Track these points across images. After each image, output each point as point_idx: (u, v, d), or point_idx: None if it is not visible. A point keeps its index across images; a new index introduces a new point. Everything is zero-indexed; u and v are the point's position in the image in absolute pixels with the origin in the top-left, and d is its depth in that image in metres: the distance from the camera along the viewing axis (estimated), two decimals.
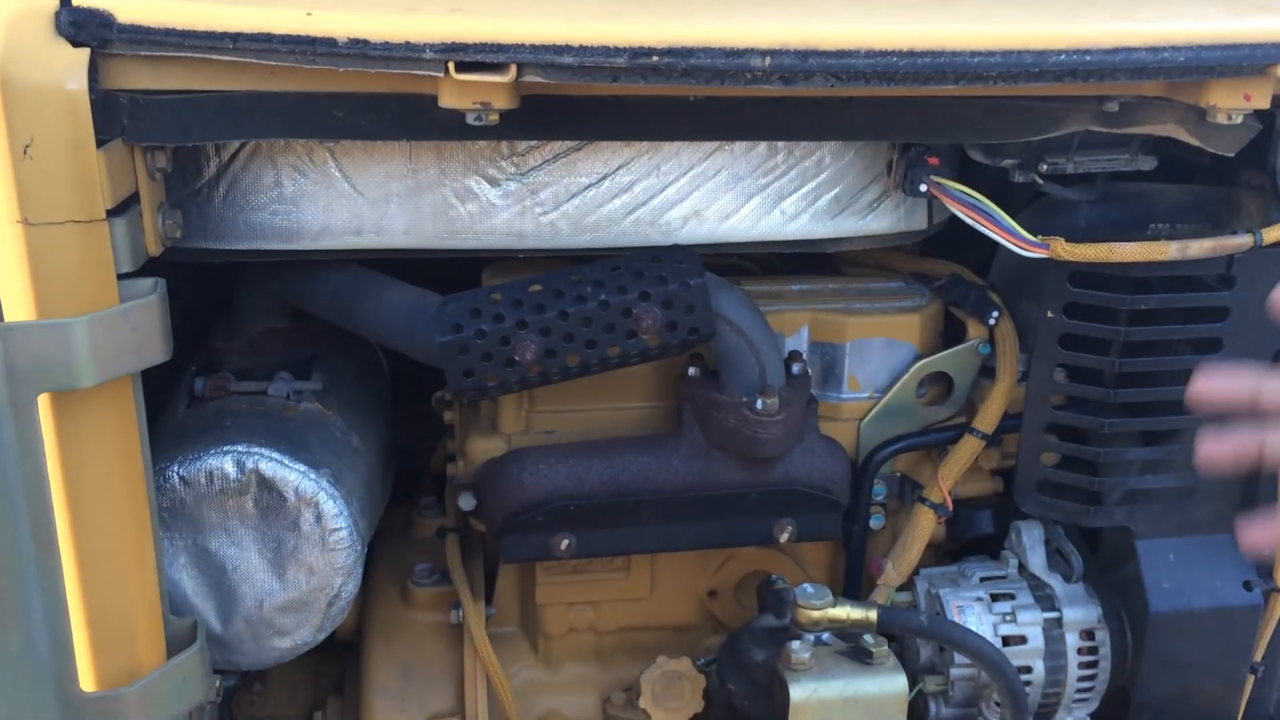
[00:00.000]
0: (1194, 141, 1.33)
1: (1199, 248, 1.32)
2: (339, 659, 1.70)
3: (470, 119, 1.13)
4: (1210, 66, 1.14)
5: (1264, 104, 1.23)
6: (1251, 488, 1.48)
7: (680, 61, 1.04)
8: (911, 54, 1.06)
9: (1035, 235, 1.36)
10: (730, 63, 1.05)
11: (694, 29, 1.05)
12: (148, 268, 1.17)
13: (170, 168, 1.22)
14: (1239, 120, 1.25)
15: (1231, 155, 1.35)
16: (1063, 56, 1.09)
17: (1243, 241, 1.33)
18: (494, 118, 1.13)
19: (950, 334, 1.60)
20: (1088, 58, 1.09)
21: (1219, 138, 1.31)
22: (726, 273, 1.56)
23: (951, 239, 1.60)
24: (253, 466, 1.35)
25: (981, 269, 1.61)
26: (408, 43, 1.05)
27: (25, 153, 1.03)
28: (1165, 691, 1.48)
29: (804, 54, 1.05)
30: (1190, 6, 1.24)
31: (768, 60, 1.05)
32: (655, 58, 1.04)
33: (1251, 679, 1.52)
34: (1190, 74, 1.15)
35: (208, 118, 1.16)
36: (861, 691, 1.27)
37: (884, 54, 1.06)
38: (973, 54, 1.07)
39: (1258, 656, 1.51)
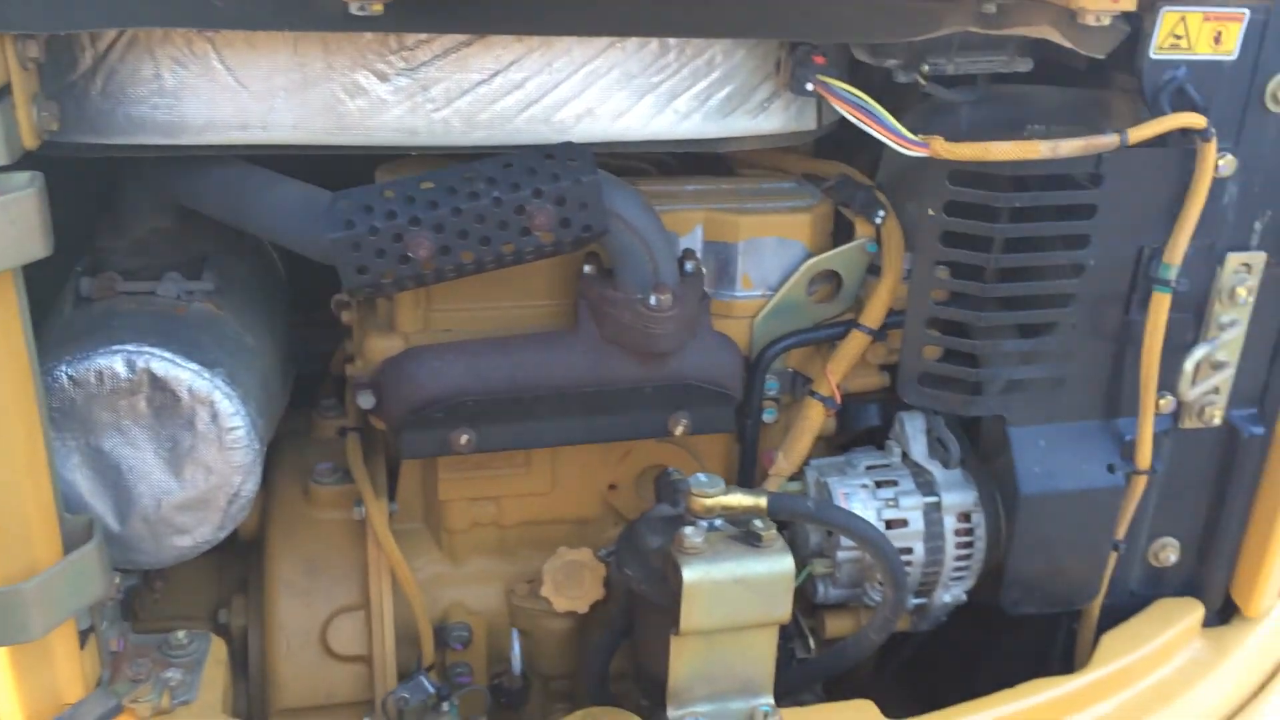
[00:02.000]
0: (1067, 43, 1.38)
1: (1069, 147, 1.38)
2: (243, 559, 1.71)
3: (353, 8, 1.12)
4: None
5: (1130, 6, 1.29)
6: (1117, 377, 1.57)
7: None
8: None
9: (917, 135, 1.40)
10: None
11: None
12: (27, 162, 1.14)
13: (43, 58, 1.19)
14: (1107, 22, 1.30)
15: (1102, 57, 1.40)
16: None
17: (1110, 141, 1.39)
18: (377, 8, 1.12)
19: (840, 233, 1.65)
20: None
21: (1090, 39, 1.36)
22: (623, 174, 1.57)
23: (845, 141, 1.63)
24: (144, 366, 1.34)
25: (873, 171, 1.65)
26: None
27: None
28: (1034, 568, 1.58)
29: None
30: None
31: None
32: None
33: (1114, 556, 1.63)
34: None
35: (79, 5, 1.13)
36: (750, 572, 1.33)
37: None
38: None
39: (1120, 535, 1.61)
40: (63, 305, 1.47)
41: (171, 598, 1.68)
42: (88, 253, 1.55)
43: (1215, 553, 1.66)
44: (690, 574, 1.31)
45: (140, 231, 1.53)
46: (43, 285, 1.46)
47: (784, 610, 1.36)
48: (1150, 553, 1.68)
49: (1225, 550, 1.66)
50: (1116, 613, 1.67)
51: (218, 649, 1.45)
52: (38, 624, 1.20)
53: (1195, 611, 1.62)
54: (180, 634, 1.43)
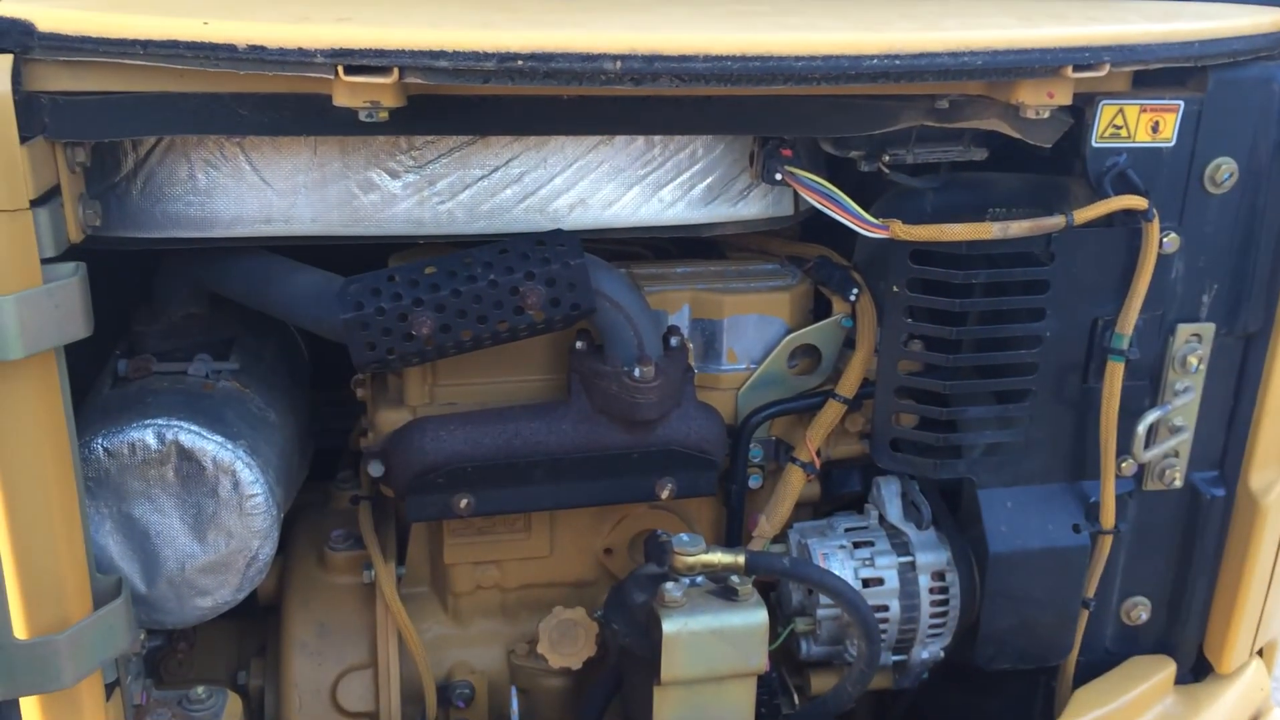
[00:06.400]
0: (1015, 134, 1.51)
1: (1019, 227, 1.50)
2: (262, 625, 1.81)
3: (362, 116, 1.26)
4: (1006, 69, 1.32)
5: (1066, 101, 1.41)
6: (1080, 441, 1.66)
7: (542, 65, 1.19)
8: (744, 58, 1.22)
9: (880, 219, 1.52)
10: (586, 66, 1.20)
11: (554, 36, 1.19)
12: (72, 253, 1.28)
13: (89, 162, 1.34)
14: (1047, 115, 1.42)
15: (1048, 146, 1.52)
16: (875, 60, 1.25)
17: (1056, 222, 1.50)
18: (384, 115, 1.26)
19: (820, 310, 1.76)
20: (896, 62, 1.26)
21: (1034, 130, 1.49)
22: (621, 258, 1.71)
23: (833, 227, 1.76)
24: (173, 438, 1.46)
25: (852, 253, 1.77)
26: (300, 49, 1.18)
27: None
28: (1007, 624, 1.65)
29: (650, 58, 1.20)
30: (990, 17, 1.41)
31: (619, 64, 1.19)
32: (520, 62, 1.18)
33: (1085, 614, 1.70)
34: (990, 75, 1.33)
35: (122, 116, 1.28)
36: (727, 624, 1.42)
37: (720, 58, 1.22)
38: (797, 58, 1.23)
39: (1089, 593, 1.69)
40: (102, 385, 1.61)
41: (194, 661, 1.78)
42: (125, 337, 1.69)
43: (1186, 612, 1.73)
44: (670, 626, 1.41)
45: (174, 316, 1.68)
46: (83, 366, 1.61)
47: (759, 661, 1.45)
48: (1122, 611, 1.74)
49: (1196, 609, 1.72)
50: (1092, 670, 1.73)
51: (234, 704, 1.54)
52: (69, 673, 1.31)
53: (1167, 668, 1.67)
54: (199, 689, 1.53)
